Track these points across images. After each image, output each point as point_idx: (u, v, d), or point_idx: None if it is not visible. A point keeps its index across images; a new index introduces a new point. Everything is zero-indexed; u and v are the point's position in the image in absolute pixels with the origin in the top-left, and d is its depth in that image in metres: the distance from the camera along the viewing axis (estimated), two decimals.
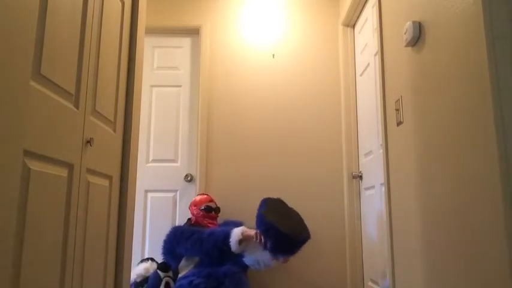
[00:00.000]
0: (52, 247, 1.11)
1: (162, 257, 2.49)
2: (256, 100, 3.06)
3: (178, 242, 2.39)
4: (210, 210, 2.64)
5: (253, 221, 2.86)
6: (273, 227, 2.14)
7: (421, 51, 1.60)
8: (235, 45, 3.13)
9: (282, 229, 2.14)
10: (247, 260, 2.25)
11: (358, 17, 2.87)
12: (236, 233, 2.26)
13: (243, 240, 2.25)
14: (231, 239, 2.24)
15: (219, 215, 2.74)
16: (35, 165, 1.02)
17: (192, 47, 3.21)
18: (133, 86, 1.81)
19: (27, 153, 0.99)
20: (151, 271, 2.50)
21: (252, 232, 2.26)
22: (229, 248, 2.23)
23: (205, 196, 2.71)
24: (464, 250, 1.26)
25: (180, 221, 2.96)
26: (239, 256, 2.28)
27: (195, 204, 2.68)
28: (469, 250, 1.23)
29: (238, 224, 2.56)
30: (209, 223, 2.62)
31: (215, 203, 2.72)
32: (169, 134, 3.08)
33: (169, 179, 3.03)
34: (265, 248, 2.19)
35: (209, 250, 2.27)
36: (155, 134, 3.08)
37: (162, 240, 2.49)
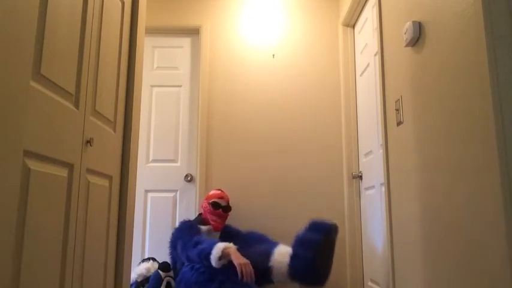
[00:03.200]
0: (52, 247, 1.11)
1: (169, 251, 2.50)
2: (256, 100, 3.06)
3: (177, 239, 2.40)
4: (218, 207, 2.55)
5: (254, 221, 2.87)
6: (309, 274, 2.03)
7: (421, 51, 1.60)
8: (235, 45, 3.13)
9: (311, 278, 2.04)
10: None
11: (358, 17, 2.87)
12: (217, 249, 2.11)
13: (223, 257, 2.10)
14: (211, 255, 2.10)
15: (228, 214, 2.65)
16: (35, 165, 1.02)
17: (192, 47, 3.21)
18: (133, 86, 1.81)
19: (27, 153, 0.99)
20: (153, 271, 2.50)
21: (238, 259, 2.07)
22: (210, 263, 2.11)
23: (218, 192, 2.63)
24: (465, 250, 1.26)
25: (180, 220, 2.96)
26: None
27: (206, 197, 2.64)
28: (469, 250, 1.23)
29: (262, 238, 2.50)
30: (213, 221, 2.54)
31: (226, 201, 2.61)
32: (169, 134, 3.08)
33: (169, 179, 3.03)
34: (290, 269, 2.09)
35: (193, 260, 2.21)
36: (155, 134, 3.08)
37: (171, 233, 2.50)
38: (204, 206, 2.62)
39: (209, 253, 2.11)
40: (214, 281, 2.10)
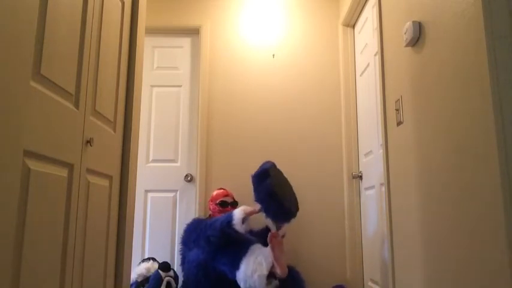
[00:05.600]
0: (52, 247, 1.11)
1: (180, 247, 2.52)
2: (256, 100, 3.06)
3: (191, 232, 2.40)
4: (226, 204, 2.66)
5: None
6: (277, 200, 2.06)
7: (421, 51, 1.60)
8: (235, 45, 3.13)
9: (285, 204, 2.07)
10: (242, 271, 2.12)
11: (358, 17, 2.87)
12: (238, 211, 2.19)
13: (246, 217, 2.18)
14: (234, 220, 2.16)
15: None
16: (35, 165, 1.02)
17: (192, 47, 3.21)
18: (133, 86, 1.81)
19: (27, 153, 0.99)
20: (153, 271, 2.50)
21: (254, 208, 2.19)
22: (234, 230, 2.15)
23: (222, 190, 2.73)
24: (464, 250, 1.26)
25: (180, 221, 2.97)
26: (235, 268, 2.17)
27: (211, 199, 2.72)
28: (470, 250, 1.23)
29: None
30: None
31: (232, 197, 2.73)
32: (169, 134, 3.08)
33: (169, 179, 3.03)
34: (267, 216, 2.12)
35: (214, 235, 2.19)
36: (155, 134, 3.08)
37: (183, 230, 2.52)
38: (212, 208, 2.69)
39: (230, 220, 2.16)
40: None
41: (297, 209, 2.19)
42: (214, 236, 2.19)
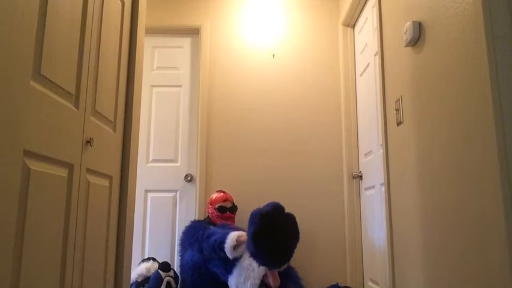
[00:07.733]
0: (52, 247, 1.11)
1: (179, 248, 2.53)
2: (256, 100, 3.06)
3: (190, 236, 2.41)
4: (224, 210, 2.62)
5: None
6: (257, 247, 1.96)
7: (421, 51, 1.60)
8: (235, 45, 3.13)
9: (265, 252, 1.96)
10: (235, 277, 2.07)
11: (358, 17, 2.87)
12: (231, 238, 2.09)
13: (238, 245, 2.09)
14: (225, 244, 2.09)
15: (236, 213, 2.71)
16: (35, 165, 1.02)
17: (192, 47, 3.21)
18: (133, 86, 1.81)
19: (27, 153, 0.99)
20: (153, 271, 2.50)
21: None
22: (224, 252, 2.09)
23: (221, 194, 2.69)
24: (464, 250, 1.26)
25: (180, 221, 2.97)
26: (228, 272, 2.13)
27: (210, 202, 2.68)
28: (469, 250, 1.23)
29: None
30: (222, 224, 2.57)
31: (231, 202, 2.68)
32: (169, 134, 3.08)
33: (169, 179, 3.03)
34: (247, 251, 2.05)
35: (206, 250, 2.20)
36: (155, 134, 3.08)
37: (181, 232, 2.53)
38: (210, 212, 2.66)
39: (223, 242, 2.10)
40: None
41: (284, 259, 2.00)
42: (206, 250, 2.20)
